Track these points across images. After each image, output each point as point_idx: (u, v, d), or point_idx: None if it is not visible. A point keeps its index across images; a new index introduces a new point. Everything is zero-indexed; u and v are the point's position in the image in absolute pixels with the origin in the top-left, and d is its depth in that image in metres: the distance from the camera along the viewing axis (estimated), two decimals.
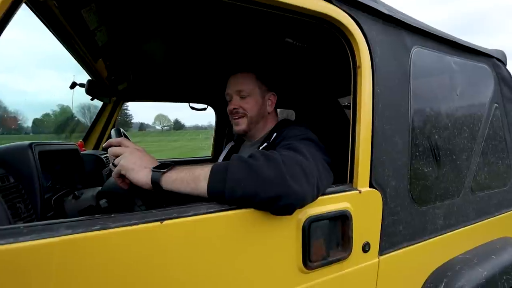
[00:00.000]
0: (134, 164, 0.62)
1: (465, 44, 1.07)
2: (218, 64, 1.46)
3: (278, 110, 2.35)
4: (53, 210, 0.80)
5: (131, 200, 0.74)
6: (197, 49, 1.25)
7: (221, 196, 0.56)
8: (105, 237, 0.46)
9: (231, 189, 0.55)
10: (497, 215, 1.12)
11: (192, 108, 2.13)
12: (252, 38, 1.13)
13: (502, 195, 1.16)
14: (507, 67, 1.27)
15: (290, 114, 2.10)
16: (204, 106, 2.18)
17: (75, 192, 0.85)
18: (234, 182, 0.55)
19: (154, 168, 0.61)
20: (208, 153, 2.46)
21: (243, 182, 0.54)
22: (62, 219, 0.47)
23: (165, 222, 0.49)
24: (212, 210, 0.54)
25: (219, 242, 0.54)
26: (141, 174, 0.60)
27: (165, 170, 0.60)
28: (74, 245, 0.45)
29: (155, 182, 0.59)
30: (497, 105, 1.18)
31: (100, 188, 0.86)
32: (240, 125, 0.98)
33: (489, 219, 1.08)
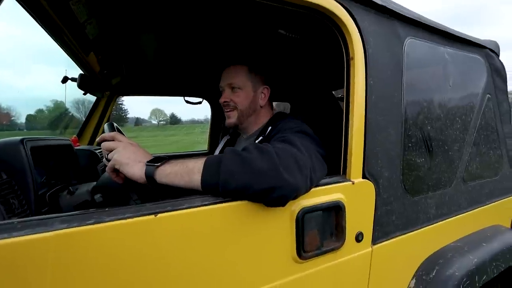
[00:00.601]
0: (128, 159, 0.62)
1: (458, 35, 1.07)
2: (212, 57, 1.44)
3: (275, 103, 2.35)
4: (48, 205, 0.79)
5: (126, 195, 0.74)
6: (191, 41, 1.24)
7: (215, 188, 0.56)
8: (99, 230, 0.47)
9: (224, 182, 0.55)
10: (488, 204, 1.15)
11: (187, 102, 2.11)
12: (245, 30, 1.11)
13: (493, 185, 1.18)
14: (500, 57, 1.28)
15: (287, 107, 2.10)
16: (199, 99, 2.17)
17: (70, 187, 0.85)
18: (228, 175, 0.55)
19: (148, 162, 0.61)
20: (205, 147, 2.46)
21: (237, 175, 0.55)
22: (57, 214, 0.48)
23: (159, 215, 0.50)
24: (206, 202, 0.54)
25: (213, 235, 0.55)
26: (135, 168, 0.61)
27: (159, 164, 0.60)
28: (69, 239, 0.45)
29: (149, 176, 0.59)
30: (489, 96, 1.19)
31: (95, 183, 0.86)
32: (231, 118, 0.98)
33: (480, 208, 1.11)
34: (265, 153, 0.57)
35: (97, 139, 0.72)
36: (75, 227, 0.45)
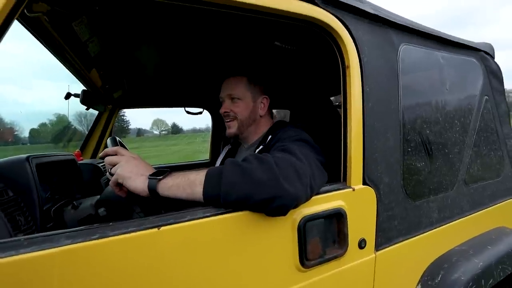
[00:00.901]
0: (130, 172, 0.63)
1: (452, 39, 1.09)
2: (212, 68, 1.47)
3: (275, 110, 2.37)
4: (52, 221, 0.80)
5: (129, 208, 0.75)
6: (190, 53, 1.26)
7: (217, 200, 0.57)
8: (104, 245, 0.48)
9: (225, 193, 0.56)
10: (492, 206, 1.14)
11: (188, 112, 2.14)
12: (243, 42, 1.14)
13: (496, 186, 1.18)
14: (495, 59, 1.29)
15: (287, 114, 2.12)
16: (200, 110, 2.20)
17: (74, 202, 0.86)
18: (229, 186, 0.56)
19: (150, 175, 0.62)
20: (206, 156, 2.47)
21: (237, 186, 0.56)
22: (62, 229, 0.49)
23: (162, 228, 0.50)
24: (208, 214, 0.55)
25: (216, 246, 0.55)
26: (137, 181, 0.62)
27: (161, 177, 0.61)
28: (74, 255, 0.46)
29: (152, 189, 0.60)
30: (487, 98, 1.20)
31: (98, 196, 0.87)
32: (231, 128, 1.00)
33: (483, 210, 1.10)
34: (264, 163, 0.58)
35: (100, 154, 0.73)
36: (80, 242, 0.46)
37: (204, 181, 0.58)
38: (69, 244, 0.45)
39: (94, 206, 0.83)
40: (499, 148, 1.22)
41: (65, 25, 0.76)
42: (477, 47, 1.20)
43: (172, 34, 1.04)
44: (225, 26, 0.99)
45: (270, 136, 0.93)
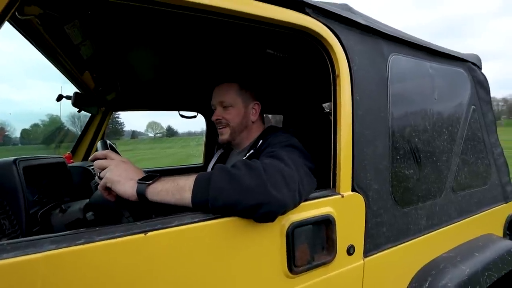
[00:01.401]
0: (119, 177, 0.63)
1: (441, 50, 1.12)
2: (206, 72, 1.48)
3: (270, 115, 2.38)
4: (39, 224, 0.79)
5: (118, 212, 0.74)
6: (184, 57, 1.27)
7: (205, 205, 0.57)
8: (90, 250, 0.47)
9: (213, 198, 0.56)
10: (479, 213, 1.16)
11: (182, 116, 2.13)
12: (236, 49, 1.15)
13: (483, 194, 1.20)
14: (483, 70, 1.33)
15: (281, 120, 2.13)
16: (194, 113, 2.20)
17: (62, 205, 0.85)
18: (217, 192, 0.56)
19: (139, 179, 0.62)
20: (200, 159, 2.46)
21: (225, 191, 0.56)
22: (48, 234, 0.48)
23: (149, 233, 0.50)
24: (196, 220, 0.55)
25: (203, 251, 0.55)
26: (126, 186, 0.61)
27: (151, 181, 0.61)
28: (59, 260, 0.45)
29: (141, 194, 0.60)
30: (474, 107, 1.23)
31: (87, 200, 0.86)
32: (224, 135, 1.00)
33: (471, 218, 1.12)
34: (253, 169, 0.59)
35: (90, 158, 0.73)
36: (65, 247, 0.45)
37: (193, 186, 0.58)
38: (54, 249, 0.45)
39: (83, 210, 0.82)
40: (486, 156, 1.25)
41: (57, 28, 0.76)
42: (465, 58, 1.24)
43: (166, 38, 1.05)
44: (219, 33, 1.00)
45: (261, 141, 0.93)
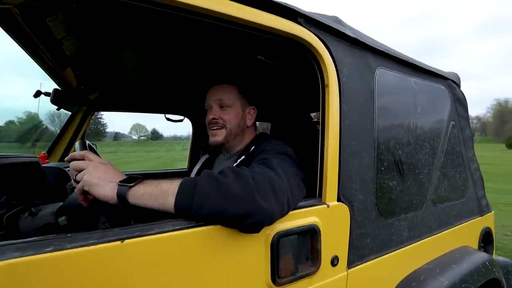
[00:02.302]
0: (98, 179, 0.59)
1: (424, 67, 1.16)
2: (195, 75, 1.46)
3: (258, 122, 2.38)
4: (4, 229, 0.73)
5: (94, 217, 0.70)
6: (173, 59, 1.25)
7: (188, 212, 0.55)
8: (59, 259, 0.43)
9: (198, 205, 0.54)
10: (457, 225, 1.20)
11: (168, 119, 2.09)
12: (226, 53, 1.15)
13: (461, 206, 1.24)
14: (461, 88, 1.39)
15: (269, 127, 2.14)
16: (181, 117, 2.15)
17: (32, 208, 0.79)
18: (202, 198, 0.54)
19: (120, 181, 0.58)
20: (185, 164, 2.41)
21: (211, 199, 0.54)
22: (12, 240, 0.44)
23: (126, 241, 0.47)
24: (178, 227, 0.53)
25: (185, 261, 0.53)
26: (106, 188, 0.58)
27: (132, 184, 0.57)
28: (23, 269, 0.41)
29: (122, 196, 0.56)
30: (453, 123, 1.28)
31: (61, 204, 0.81)
32: (218, 136, 0.95)
33: (449, 230, 1.15)
34: (241, 177, 0.57)
35: (66, 159, 0.69)
36: (30, 255, 0.42)
37: (177, 191, 0.56)
38: (18, 257, 0.41)
39: (55, 214, 0.77)
40: (463, 170, 1.30)
41: (38, 21, 0.72)
42: (446, 76, 1.29)
43: (155, 38, 1.02)
44: (210, 36, 0.99)
45: (253, 147, 0.92)
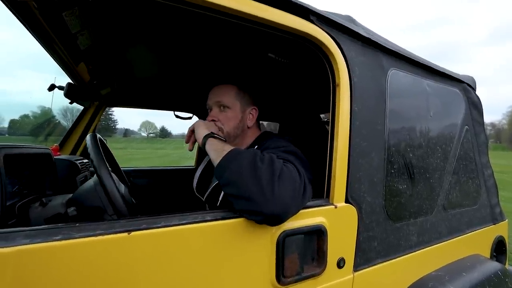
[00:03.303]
0: (204, 124, 0.87)
1: (438, 69, 1.13)
2: (205, 73, 1.46)
3: (266, 122, 2.37)
4: (16, 217, 0.75)
5: (101, 209, 0.71)
6: (184, 57, 1.25)
7: (224, 171, 0.63)
8: (67, 248, 0.44)
9: (227, 182, 0.62)
10: (468, 233, 1.16)
11: (177, 116, 2.10)
12: (237, 50, 1.14)
13: (473, 213, 1.20)
14: (476, 92, 1.35)
15: (278, 128, 2.13)
16: (190, 115, 2.17)
17: (43, 198, 0.81)
18: (236, 175, 0.60)
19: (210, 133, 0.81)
20: (192, 162, 2.42)
21: (242, 183, 0.58)
22: (23, 227, 0.45)
23: (133, 233, 0.47)
24: (184, 222, 0.53)
25: (189, 256, 0.53)
26: (201, 130, 0.83)
27: (215, 135, 0.81)
28: (32, 255, 0.42)
29: (207, 136, 0.80)
30: (467, 128, 1.24)
31: (71, 195, 0.82)
32: None
33: (460, 237, 1.12)
34: (273, 168, 0.61)
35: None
36: (39, 242, 0.42)
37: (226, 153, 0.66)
38: (27, 244, 0.42)
39: (65, 205, 0.78)
40: (476, 176, 1.26)
41: (55, 14, 0.73)
42: (461, 79, 1.26)
43: (167, 36, 1.03)
44: (221, 33, 1.00)
45: (256, 146, 0.91)
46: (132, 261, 0.48)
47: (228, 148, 0.70)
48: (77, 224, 0.47)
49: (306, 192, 0.65)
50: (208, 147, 0.77)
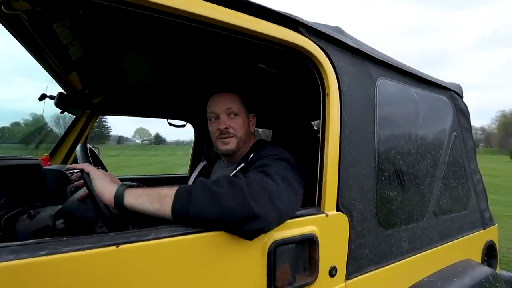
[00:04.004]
0: (104, 175, 0.67)
1: (426, 77, 1.16)
2: (197, 82, 1.47)
3: (260, 129, 2.39)
4: (2, 230, 0.73)
5: (91, 221, 0.70)
6: (177, 65, 1.26)
7: (186, 217, 0.55)
8: (53, 263, 0.43)
9: (195, 212, 0.55)
10: (459, 238, 1.18)
11: (171, 124, 2.10)
12: (229, 61, 1.16)
13: (463, 219, 1.22)
14: (465, 98, 1.39)
15: (271, 134, 2.14)
16: (183, 123, 2.17)
17: (31, 210, 0.79)
18: (198, 208, 0.55)
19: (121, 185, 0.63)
20: (186, 169, 2.41)
21: (206, 209, 0.55)
22: (10, 241, 0.44)
23: (121, 246, 0.47)
24: (174, 233, 0.52)
25: (180, 268, 0.52)
26: (107, 184, 0.64)
27: (131, 185, 0.63)
28: (17, 272, 0.41)
29: (119, 195, 0.60)
30: (456, 134, 1.27)
31: (60, 206, 0.81)
32: (230, 144, 0.95)
33: (451, 242, 1.13)
34: (235, 187, 0.58)
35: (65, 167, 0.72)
36: (25, 258, 0.42)
37: (174, 197, 0.57)
38: (12, 260, 0.41)
39: (53, 217, 0.77)
40: (466, 182, 1.29)
41: (45, 26, 0.73)
42: (448, 87, 1.29)
43: (159, 44, 1.04)
44: (212, 43, 1.01)
45: (252, 154, 0.92)
46: (121, 275, 0.47)
47: (161, 190, 0.59)
48: (64, 238, 0.46)
49: (291, 199, 0.65)
50: (133, 200, 0.59)
